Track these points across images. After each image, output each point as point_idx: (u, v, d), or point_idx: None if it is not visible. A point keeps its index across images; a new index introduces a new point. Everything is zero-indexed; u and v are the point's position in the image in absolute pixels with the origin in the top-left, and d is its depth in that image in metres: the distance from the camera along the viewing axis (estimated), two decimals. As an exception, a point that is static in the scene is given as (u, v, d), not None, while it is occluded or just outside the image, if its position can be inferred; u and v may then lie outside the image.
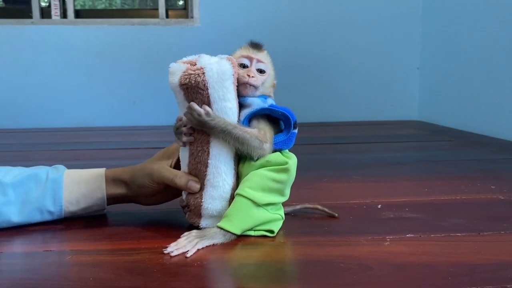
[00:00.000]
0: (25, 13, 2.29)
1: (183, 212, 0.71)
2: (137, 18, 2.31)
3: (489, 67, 1.77)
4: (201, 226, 0.67)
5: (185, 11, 2.40)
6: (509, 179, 1.04)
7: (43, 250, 0.63)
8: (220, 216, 0.66)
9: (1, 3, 2.59)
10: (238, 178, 0.68)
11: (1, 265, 0.59)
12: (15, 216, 0.68)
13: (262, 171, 0.65)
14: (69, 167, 0.75)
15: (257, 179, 0.64)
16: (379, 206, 0.82)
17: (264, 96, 0.68)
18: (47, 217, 0.71)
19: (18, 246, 0.66)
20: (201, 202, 0.66)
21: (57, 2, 2.27)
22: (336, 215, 0.76)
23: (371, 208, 0.82)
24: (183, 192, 0.70)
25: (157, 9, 2.34)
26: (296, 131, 0.68)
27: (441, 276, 0.53)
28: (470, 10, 1.91)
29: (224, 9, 2.28)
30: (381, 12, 2.33)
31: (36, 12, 2.26)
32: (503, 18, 1.69)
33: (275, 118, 0.68)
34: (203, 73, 0.62)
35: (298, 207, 0.78)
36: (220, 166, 0.65)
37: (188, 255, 0.59)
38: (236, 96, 0.66)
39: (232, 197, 0.66)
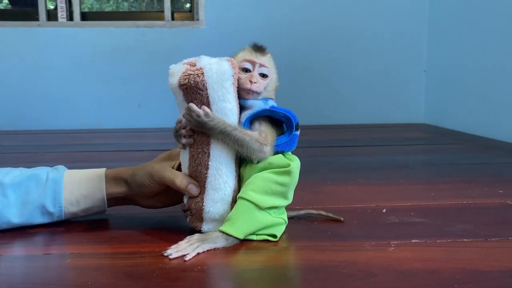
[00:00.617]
0: (32, 16, 2.30)
1: (184, 216, 0.71)
2: (143, 21, 2.32)
3: (496, 69, 1.76)
4: (203, 230, 0.66)
5: (191, 14, 2.40)
6: (517, 184, 1.02)
7: (43, 253, 0.62)
8: (222, 219, 0.65)
9: (8, 5, 2.60)
10: (240, 181, 0.67)
11: (1, 268, 0.59)
12: (15, 217, 0.68)
13: (265, 173, 0.64)
14: (73, 168, 0.74)
15: (259, 182, 0.63)
16: (384, 210, 0.81)
17: (266, 99, 0.67)
18: (47, 218, 0.70)
19: (18, 249, 0.66)
20: (203, 206, 0.65)
21: (64, 5, 2.27)
22: (341, 219, 0.75)
23: (375, 212, 0.80)
24: (184, 196, 0.69)
25: (163, 11, 2.34)
26: (298, 133, 0.67)
27: (447, 283, 0.52)
28: (476, 12, 1.89)
29: (229, 12, 2.28)
30: (387, 15, 2.31)
31: (42, 14, 2.28)
32: (510, 20, 1.67)
33: (277, 121, 0.67)
34: (202, 73, 0.62)
35: (302, 212, 0.76)
36: (221, 168, 0.65)
37: (187, 258, 0.59)
38: (236, 97, 0.65)
39: (233, 200, 0.65)
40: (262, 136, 0.64)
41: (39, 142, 1.84)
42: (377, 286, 0.51)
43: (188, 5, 2.59)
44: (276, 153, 0.66)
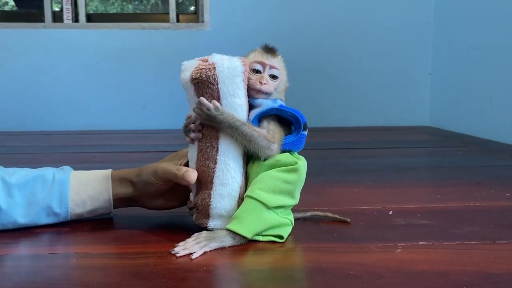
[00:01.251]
0: (38, 17, 2.31)
1: (190, 216, 0.70)
2: (148, 23, 2.32)
3: (502, 72, 1.75)
4: (209, 227, 0.66)
5: (196, 16, 2.41)
6: (525, 186, 1.01)
7: (49, 252, 0.62)
8: (229, 216, 0.64)
9: (14, 7, 2.62)
10: (246, 179, 0.67)
11: (6, 267, 0.59)
12: (21, 217, 0.68)
13: (273, 172, 0.64)
14: (78, 169, 0.74)
15: (267, 180, 0.63)
16: (390, 212, 0.80)
17: (275, 99, 0.67)
18: (53, 219, 0.70)
19: (23, 248, 0.66)
20: (210, 201, 0.65)
21: (69, 6, 2.29)
22: (348, 220, 0.74)
23: (382, 214, 0.80)
24: (190, 194, 0.69)
25: (168, 13, 2.35)
26: (306, 133, 0.67)
27: (455, 285, 0.51)
28: (482, 16, 1.89)
29: (234, 13, 2.28)
30: (393, 18, 2.31)
31: (48, 16, 2.29)
32: (517, 23, 1.67)
33: (285, 120, 0.67)
34: (214, 68, 0.63)
35: (308, 214, 0.76)
36: (229, 163, 0.65)
37: (194, 257, 0.58)
38: (246, 94, 0.66)
39: (240, 197, 0.65)
40: (270, 133, 0.64)
41: (43, 143, 1.84)
42: (385, 288, 0.51)
43: (193, 7, 2.60)
44: (283, 151, 0.66)
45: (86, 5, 2.33)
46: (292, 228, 0.68)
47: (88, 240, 0.67)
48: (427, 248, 0.63)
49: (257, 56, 0.67)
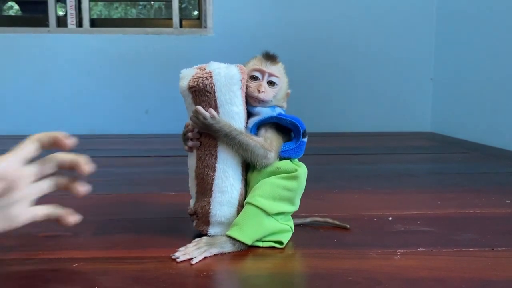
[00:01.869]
0: (42, 22, 2.33)
1: (190, 221, 0.71)
2: (151, 28, 2.34)
3: (504, 78, 1.75)
4: (210, 234, 0.66)
5: (199, 21, 2.42)
6: (525, 193, 1.01)
7: (51, 257, 0.63)
8: (228, 223, 0.65)
9: (19, 11, 2.64)
10: (246, 186, 0.67)
11: (8, 272, 0.59)
12: None
13: (273, 179, 0.64)
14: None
15: (267, 187, 0.64)
16: (390, 219, 0.81)
17: (273, 106, 0.68)
18: None
19: (26, 253, 0.66)
20: (209, 209, 0.66)
21: (73, 11, 2.30)
22: (348, 226, 0.75)
23: (382, 220, 0.80)
24: (190, 200, 0.70)
25: (171, 19, 2.36)
26: (305, 140, 0.67)
27: (453, 292, 0.52)
28: (485, 21, 1.89)
29: (237, 19, 2.29)
30: (394, 23, 2.32)
31: (52, 20, 2.30)
32: (519, 30, 1.67)
33: (285, 128, 0.67)
34: (211, 76, 0.63)
35: (308, 220, 0.76)
36: (228, 171, 0.65)
37: (194, 262, 0.59)
38: (244, 102, 0.66)
39: (240, 204, 0.66)
40: (267, 142, 0.64)
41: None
42: (383, 294, 0.51)
43: (196, 13, 2.61)
44: (283, 159, 0.66)
45: (90, 10, 2.35)
46: (292, 234, 0.68)
47: (90, 245, 0.67)
48: (426, 255, 0.63)
49: (257, 63, 0.67)
